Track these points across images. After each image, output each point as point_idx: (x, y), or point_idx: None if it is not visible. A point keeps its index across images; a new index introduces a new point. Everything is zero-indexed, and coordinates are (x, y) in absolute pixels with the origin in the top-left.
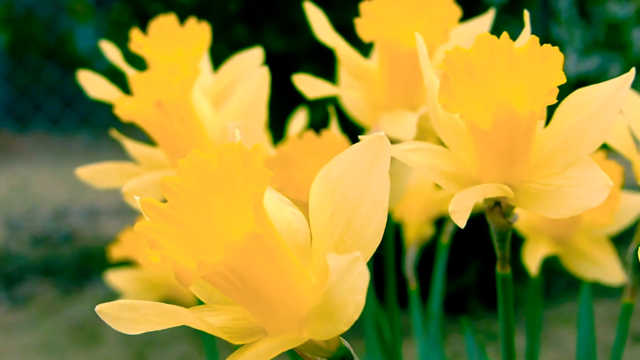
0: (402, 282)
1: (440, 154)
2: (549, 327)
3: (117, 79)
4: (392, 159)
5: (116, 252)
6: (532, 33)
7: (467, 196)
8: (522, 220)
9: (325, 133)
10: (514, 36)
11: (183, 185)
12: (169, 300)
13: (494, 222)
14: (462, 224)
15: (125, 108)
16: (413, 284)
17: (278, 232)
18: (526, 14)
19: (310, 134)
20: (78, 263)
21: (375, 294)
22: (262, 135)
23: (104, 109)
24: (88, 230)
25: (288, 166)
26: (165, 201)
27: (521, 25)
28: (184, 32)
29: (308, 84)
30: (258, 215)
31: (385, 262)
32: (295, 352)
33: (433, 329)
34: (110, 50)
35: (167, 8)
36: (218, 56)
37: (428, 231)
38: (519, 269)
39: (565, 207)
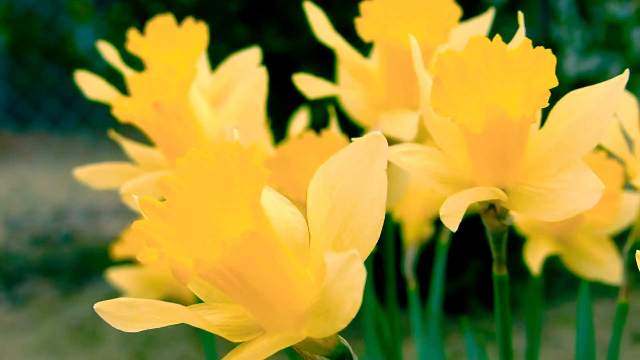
0: (401, 282)
1: (433, 157)
2: (549, 327)
3: (117, 79)
4: None
5: (119, 250)
6: (533, 33)
7: (459, 200)
8: (524, 220)
9: (325, 133)
10: (513, 36)
11: (181, 184)
12: (170, 298)
13: (489, 224)
14: (453, 228)
15: (122, 109)
16: (412, 284)
17: (276, 230)
18: (520, 16)
19: (310, 134)
20: (78, 263)
21: (375, 294)
22: (261, 135)
23: (104, 109)
24: (88, 230)
25: (288, 166)
26: (163, 200)
27: None
28: (182, 32)
29: (308, 84)
30: (256, 213)
31: (385, 262)
32: (293, 350)
33: (433, 329)
34: (107, 51)
35: (167, 8)
36: (218, 56)
37: (427, 231)
38: (519, 269)
39: (558, 210)
